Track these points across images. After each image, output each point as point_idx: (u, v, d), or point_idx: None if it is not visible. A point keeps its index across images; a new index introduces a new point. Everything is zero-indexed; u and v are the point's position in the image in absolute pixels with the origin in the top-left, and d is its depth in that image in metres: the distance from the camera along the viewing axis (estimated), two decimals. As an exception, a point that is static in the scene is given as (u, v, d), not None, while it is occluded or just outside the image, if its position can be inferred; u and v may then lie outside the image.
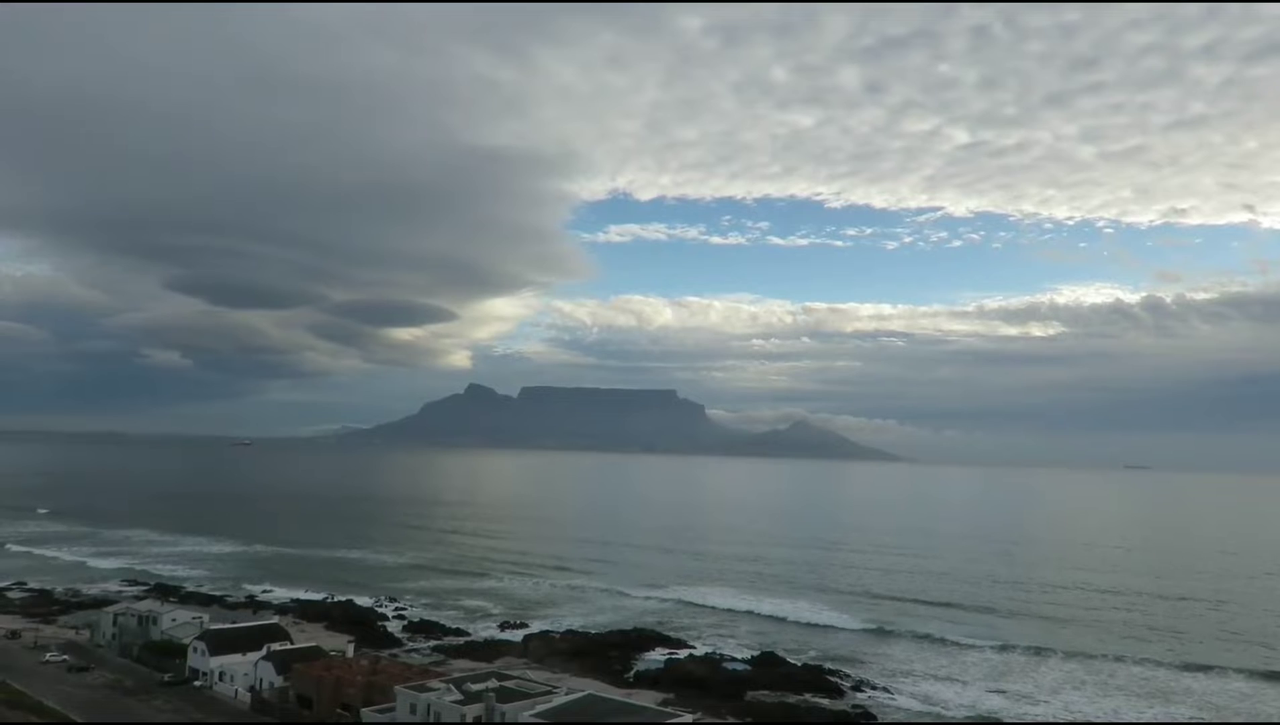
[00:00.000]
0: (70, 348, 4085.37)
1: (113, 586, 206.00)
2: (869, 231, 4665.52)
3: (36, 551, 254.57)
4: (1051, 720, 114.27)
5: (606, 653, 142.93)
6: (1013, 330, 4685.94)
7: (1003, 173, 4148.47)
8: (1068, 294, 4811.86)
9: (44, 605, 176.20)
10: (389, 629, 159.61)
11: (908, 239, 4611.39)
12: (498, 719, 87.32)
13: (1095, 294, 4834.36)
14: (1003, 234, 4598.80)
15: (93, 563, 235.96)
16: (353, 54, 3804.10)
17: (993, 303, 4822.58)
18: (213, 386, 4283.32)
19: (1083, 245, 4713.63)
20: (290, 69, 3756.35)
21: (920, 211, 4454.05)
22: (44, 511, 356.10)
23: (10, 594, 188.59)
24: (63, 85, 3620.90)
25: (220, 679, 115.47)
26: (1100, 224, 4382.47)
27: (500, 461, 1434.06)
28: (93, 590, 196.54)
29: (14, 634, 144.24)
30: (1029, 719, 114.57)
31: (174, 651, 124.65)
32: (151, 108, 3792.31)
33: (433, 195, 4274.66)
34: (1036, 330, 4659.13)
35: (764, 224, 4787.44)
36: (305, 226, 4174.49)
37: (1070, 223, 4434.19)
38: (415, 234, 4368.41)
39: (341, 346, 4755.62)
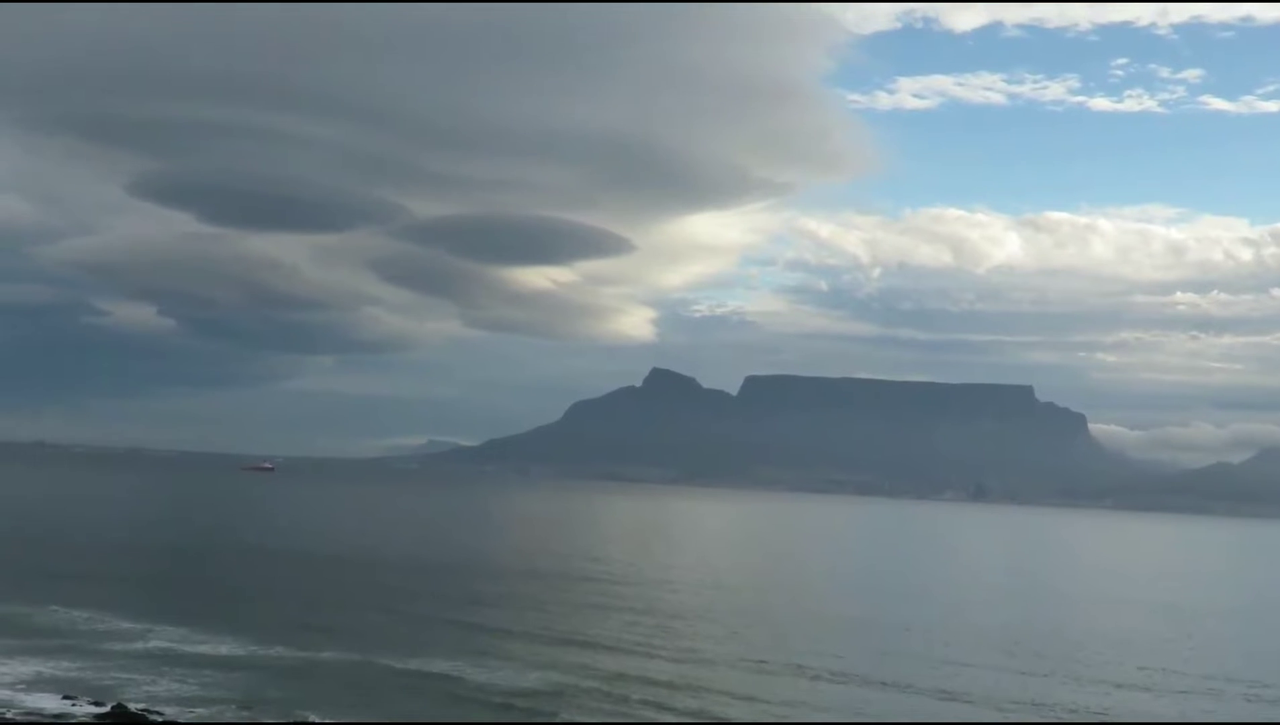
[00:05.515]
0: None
1: (50, 704, 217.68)
2: None
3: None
4: None
5: None
6: None
7: None
8: None
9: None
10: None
11: None
12: None
13: None
14: None
15: (8, 667, 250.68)
16: None
17: None
18: (210, 365, 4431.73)
19: None
20: None
21: None
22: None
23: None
24: None
25: None
26: None
27: (705, 508, 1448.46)
28: (13, 715, 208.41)
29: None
30: None
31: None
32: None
33: (583, 30, 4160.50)
34: None
35: (1193, 72, 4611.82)
36: (364, 84, 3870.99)
37: None
38: (555, 97, 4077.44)
39: (426, 297, 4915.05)
